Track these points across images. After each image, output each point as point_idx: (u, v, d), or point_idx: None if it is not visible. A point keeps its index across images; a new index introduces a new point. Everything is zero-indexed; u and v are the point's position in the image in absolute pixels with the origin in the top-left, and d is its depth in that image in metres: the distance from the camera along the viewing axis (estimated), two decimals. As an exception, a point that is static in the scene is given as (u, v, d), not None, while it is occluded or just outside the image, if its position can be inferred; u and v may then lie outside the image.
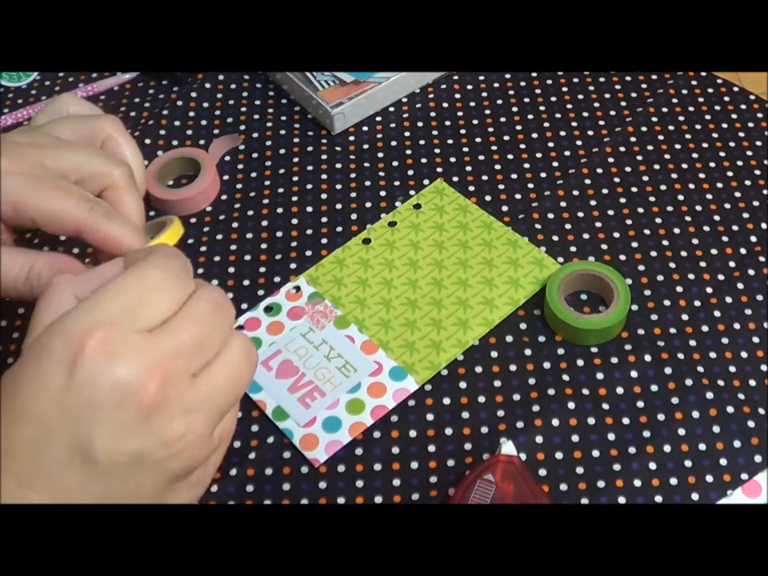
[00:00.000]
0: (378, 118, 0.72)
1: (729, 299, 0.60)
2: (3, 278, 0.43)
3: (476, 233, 0.63)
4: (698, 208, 0.65)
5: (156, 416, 0.35)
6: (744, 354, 0.57)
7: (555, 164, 0.68)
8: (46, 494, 0.34)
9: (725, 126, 0.70)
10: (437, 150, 0.70)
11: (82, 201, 0.43)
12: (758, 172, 0.67)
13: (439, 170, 0.68)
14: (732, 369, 0.57)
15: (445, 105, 0.73)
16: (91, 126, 0.47)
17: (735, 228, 0.64)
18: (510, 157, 0.69)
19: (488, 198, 0.66)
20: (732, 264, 0.62)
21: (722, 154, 0.68)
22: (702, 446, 0.54)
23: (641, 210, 0.65)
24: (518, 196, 0.66)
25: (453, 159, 0.69)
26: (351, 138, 0.71)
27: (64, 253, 0.64)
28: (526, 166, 0.68)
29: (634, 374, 0.57)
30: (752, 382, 0.56)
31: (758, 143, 0.69)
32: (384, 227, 0.64)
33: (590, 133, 0.70)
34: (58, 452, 0.34)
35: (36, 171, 0.44)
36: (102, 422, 0.34)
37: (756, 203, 0.65)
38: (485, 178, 0.68)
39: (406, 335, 0.58)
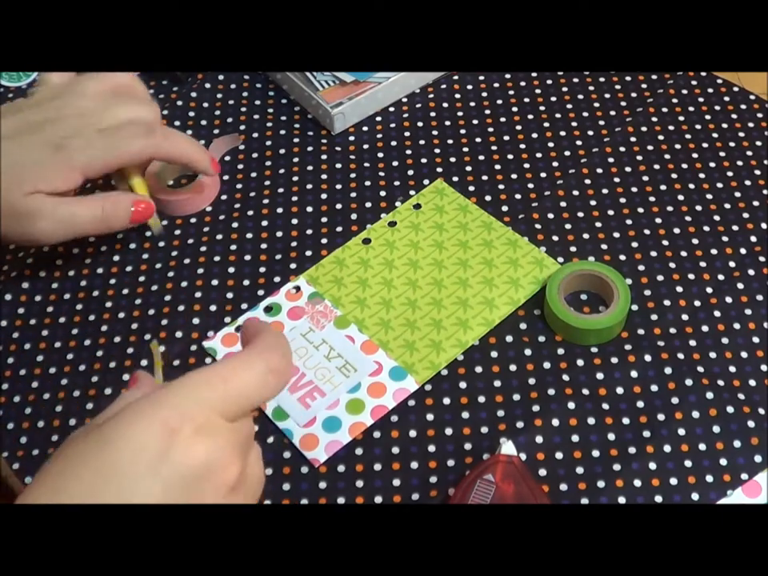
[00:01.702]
0: (378, 118, 0.72)
1: (729, 299, 0.60)
2: (90, 219, 0.57)
3: (476, 233, 0.63)
4: (698, 208, 0.65)
5: (231, 496, 0.38)
6: (744, 354, 0.57)
7: (555, 164, 0.68)
8: None
9: (725, 125, 0.70)
10: (437, 150, 0.70)
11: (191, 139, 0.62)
12: (758, 172, 0.67)
13: (439, 170, 0.68)
14: (732, 369, 0.57)
15: (445, 105, 0.73)
16: (111, 80, 0.59)
17: (735, 228, 0.64)
18: (510, 157, 0.69)
19: (488, 198, 0.66)
20: (732, 264, 0.62)
21: (722, 154, 0.68)
22: (702, 446, 0.54)
23: (641, 210, 0.65)
24: (518, 196, 0.66)
25: (453, 159, 0.69)
26: (351, 138, 0.71)
27: (63, 253, 0.64)
28: (526, 165, 0.68)
29: (633, 374, 0.57)
30: (752, 382, 0.56)
31: (758, 143, 0.69)
32: (384, 227, 0.64)
33: (590, 133, 0.70)
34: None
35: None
36: (186, 492, 0.36)
37: (756, 203, 0.65)
38: (485, 178, 0.68)
39: (406, 335, 0.58)
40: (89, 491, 0.35)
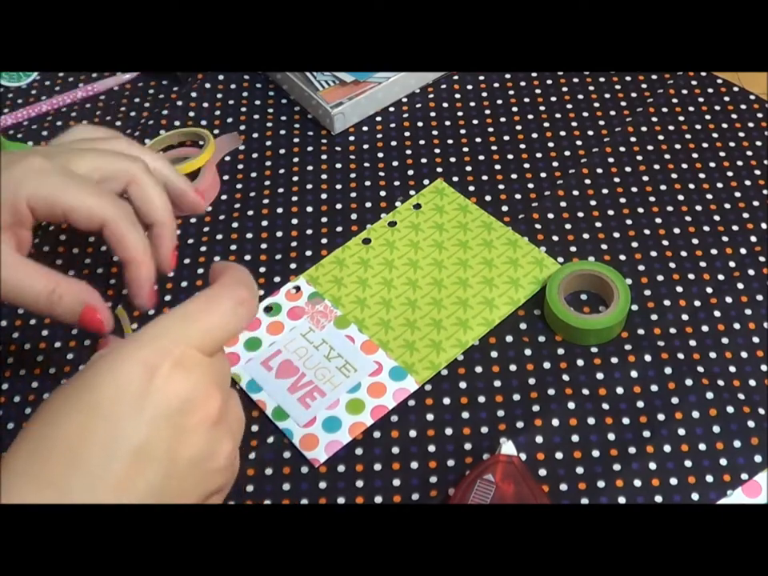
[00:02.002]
0: (378, 118, 0.72)
1: (729, 299, 0.60)
2: (27, 292, 0.47)
3: (476, 233, 0.63)
4: (698, 208, 0.65)
5: (215, 430, 0.38)
6: (744, 354, 0.57)
7: (555, 164, 0.68)
8: (99, 489, 0.35)
9: (725, 125, 0.70)
10: (437, 150, 0.70)
11: (110, 199, 0.48)
12: (758, 172, 0.67)
13: (439, 170, 0.68)
14: (732, 369, 0.57)
15: (445, 105, 0.73)
16: (115, 167, 0.50)
17: (735, 228, 0.64)
18: (510, 157, 0.69)
19: (488, 198, 0.66)
20: (732, 264, 0.62)
21: (722, 154, 0.68)
22: (702, 446, 0.54)
23: (641, 210, 0.65)
24: (518, 196, 0.66)
25: (453, 159, 0.69)
26: (351, 138, 0.71)
27: (63, 252, 0.64)
28: (526, 165, 0.68)
29: (633, 374, 0.57)
30: (752, 382, 0.56)
31: (758, 143, 0.69)
32: (384, 227, 0.64)
33: (590, 133, 0.70)
34: (123, 451, 0.35)
35: (65, 171, 0.48)
36: (171, 428, 0.36)
37: (756, 203, 0.65)
38: (485, 178, 0.68)
39: (406, 335, 0.58)
40: (77, 435, 0.35)
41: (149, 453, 0.36)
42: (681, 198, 0.66)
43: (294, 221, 0.66)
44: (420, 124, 0.72)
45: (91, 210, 0.47)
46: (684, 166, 0.68)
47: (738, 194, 0.66)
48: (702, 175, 0.67)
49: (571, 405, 0.55)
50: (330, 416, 0.55)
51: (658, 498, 0.52)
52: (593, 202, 0.66)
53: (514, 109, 0.72)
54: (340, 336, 0.58)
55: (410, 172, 0.68)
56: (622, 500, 0.52)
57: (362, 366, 0.56)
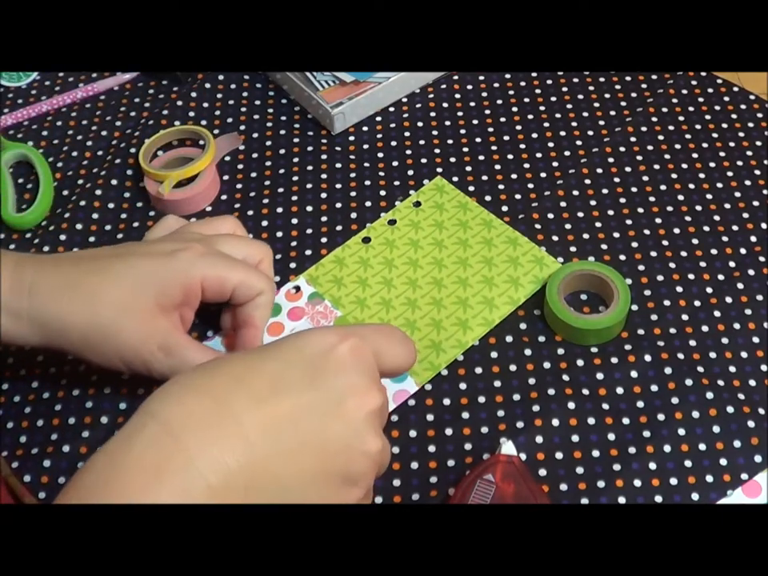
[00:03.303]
0: (378, 118, 0.72)
1: (729, 299, 0.60)
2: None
3: (476, 230, 0.63)
4: (698, 208, 0.65)
5: (370, 419, 0.41)
6: (744, 354, 0.57)
7: (555, 164, 0.68)
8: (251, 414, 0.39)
9: (725, 125, 0.70)
10: (437, 150, 0.70)
11: (260, 273, 0.55)
12: (758, 172, 0.67)
13: (439, 169, 0.68)
14: (732, 369, 0.57)
15: (445, 105, 0.73)
16: (252, 248, 0.57)
17: (735, 228, 0.64)
18: (510, 157, 0.69)
19: (488, 197, 0.66)
20: (732, 264, 0.62)
21: (722, 154, 0.68)
22: (702, 446, 0.54)
23: (641, 210, 0.65)
24: (518, 196, 0.66)
25: (453, 159, 0.69)
26: (351, 138, 0.71)
27: (63, 253, 0.64)
28: (526, 165, 0.68)
29: (633, 374, 0.57)
30: (752, 382, 0.56)
31: (758, 143, 0.69)
32: (384, 225, 0.64)
33: (590, 133, 0.70)
34: (282, 394, 0.40)
35: (223, 254, 0.54)
36: (332, 400, 0.41)
37: (756, 203, 0.65)
38: (485, 177, 0.68)
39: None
40: (249, 369, 0.41)
41: (306, 407, 0.40)
42: (681, 197, 0.66)
43: (294, 221, 0.66)
44: (420, 124, 0.71)
45: (253, 283, 0.53)
46: (684, 165, 0.68)
47: (738, 194, 0.66)
48: (701, 175, 0.67)
49: (571, 405, 0.55)
50: None
51: (658, 498, 0.52)
52: (593, 202, 0.66)
53: (514, 109, 0.72)
54: None
55: (410, 172, 0.68)
56: (622, 500, 0.52)
57: None
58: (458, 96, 0.73)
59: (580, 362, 0.57)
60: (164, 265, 0.51)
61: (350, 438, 0.40)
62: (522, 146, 0.70)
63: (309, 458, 0.40)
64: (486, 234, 0.63)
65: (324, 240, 0.64)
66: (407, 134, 0.71)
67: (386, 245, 0.63)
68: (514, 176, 0.68)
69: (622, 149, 0.69)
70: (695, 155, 0.68)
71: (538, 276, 0.60)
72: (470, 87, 0.74)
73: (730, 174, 0.67)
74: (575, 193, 0.66)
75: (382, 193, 0.67)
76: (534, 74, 0.75)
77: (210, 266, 0.52)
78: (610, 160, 0.68)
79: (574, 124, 0.71)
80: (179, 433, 0.37)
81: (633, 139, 0.70)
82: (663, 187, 0.67)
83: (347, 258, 0.62)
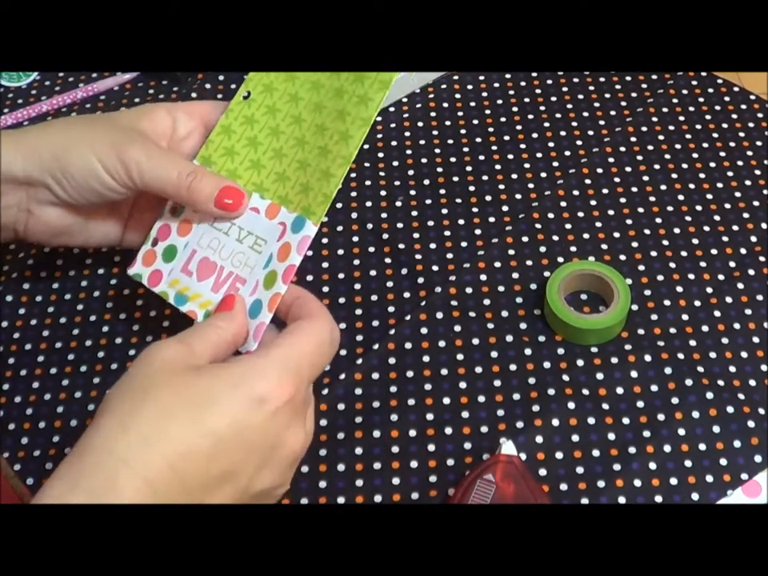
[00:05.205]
0: (379, 118, 0.72)
1: (729, 299, 0.60)
2: (169, 176, 0.52)
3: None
4: (698, 208, 0.65)
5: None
6: (744, 354, 0.57)
7: (555, 164, 0.68)
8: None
9: (725, 125, 0.70)
10: (437, 150, 0.70)
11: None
12: (758, 172, 0.67)
13: (439, 169, 0.68)
14: (732, 369, 0.57)
15: (445, 105, 0.73)
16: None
17: (735, 228, 0.64)
18: (510, 157, 0.69)
19: (488, 197, 0.66)
20: (732, 264, 0.62)
21: (722, 154, 0.68)
22: (702, 446, 0.54)
23: (641, 209, 0.65)
24: (518, 196, 0.66)
25: (453, 159, 0.69)
26: (351, 138, 0.71)
27: (63, 253, 0.64)
28: (526, 166, 0.68)
29: (633, 374, 0.57)
30: (752, 382, 0.56)
31: (758, 143, 0.69)
32: (259, 75, 0.58)
33: (590, 133, 0.70)
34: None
35: None
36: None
37: (756, 203, 0.65)
38: (485, 178, 0.68)
39: (300, 178, 0.54)
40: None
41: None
42: (681, 197, 0.66)
43: (294, 221, 0.65)
44: (420, 124, 0.72)
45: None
46: (684, 165, 0.68)
47: (738, 194, 0.66)
48: (702, 175, 0.67)
49: (571, 405, 0.56)
50: (254, 300, 0.51)
51: (658, 498, 0.52)
52: (593, 202, 0.66)
53: (514, 109, 0.72)
54: (245, 212, 0.54)
55: (410, 172, 0.68)
56: (622, 500, 0.52)
57: (269, 234, 0.53)
58: (458, 96, 0.74)
59: (580, 362, 0.57)
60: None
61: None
62: (522, 146, 0.70)
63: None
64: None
65: (324, 240, 0.64)
66: (407, 134, 0.71)
67: (265, 92, 0.58)
68: (514, 176, 0.68)
69: (622, 149, 0.69)
70: (695, 155, 0.68)
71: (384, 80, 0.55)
72: (470, 87, 0.74)
73: (730, 174, 0.67)
74: (575, 193, 0.66)
75: (383, 193, 0.67)
76: (534, 74, 0.75)
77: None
78: (610, 160, 0.68)
79: (574, 124, 0.71)
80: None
81: (633, 139, 0.70)
82: (663, 187, 0.67)
83: (233, 123, 0.57)
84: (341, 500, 0.52)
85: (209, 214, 0.54)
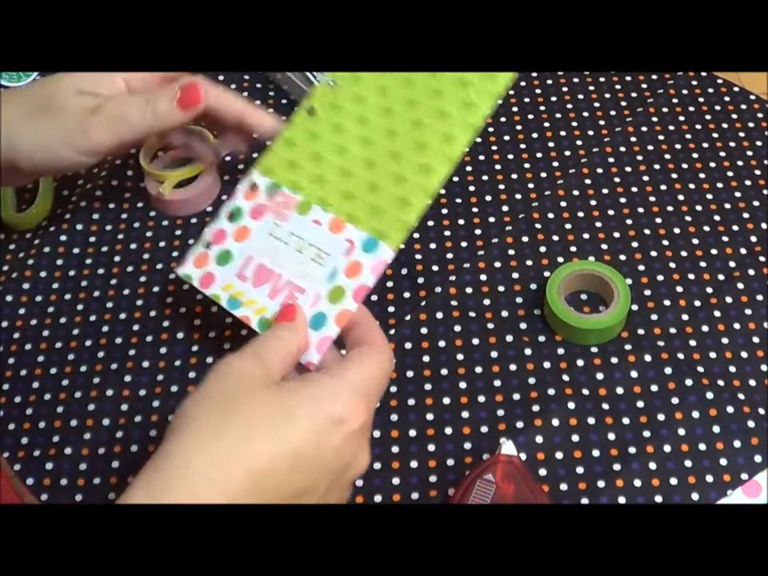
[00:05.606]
0: (378, 118, 0.72)
1: (729, 299, 0.60)
2: (132, 113, 0.57)
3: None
4: (698, 208, 0.65)
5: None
6: (744, 354, 0.57)
7: (555, 164, 0.68)
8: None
9: (725, 125, 0.70)
10: (437, 150, 0.69)
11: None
12: (758, 172, 0.67)
13: (439, 170, 0.68)
14: (732, 369, 0.57)
15: (445, 105, 0.73)
16: None
17: (735, 228, 0.64)
18: (510, 157, 0.69)
19: (488, 197, 0.66)
20: (732, 264, 0.62)
21: (722, 154, 0.68)
22: (702, 446, 0.54)
23: (641, 209, 0.65)
24: (518, 196, 0.66)
25: (453, 159, 0.69)
26: (351, 138, 0.71)
27: (63, 253, 0.64)
28: (526, 165, 0.68)
29: (633, 374, 0.57)
30: (752, 382, 0.56)
31: (758, 143, 0.69)
32: (326, 89, 0.58)
33: (590, 133, 0.70)
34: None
35: None
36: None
37: (756, 203, 0.65)
38: (485, 178, 0.68)
39: (370, 199, 0.53)
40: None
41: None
42: (681, 197, 0.66)
43: (294, 221, 0.65)
44: (420, 124, 0.71)
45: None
46: (684, 165, 0.68)
47: (738, 194, 0.66)
48: (702, 175, 0.67)
49: (571, 405, 0.56)
50: (315, 312, 0.50)
51: (658, 498, 0.52)
52: (593, 202, 0.66)
53: (514, 109, 0.72)
54: (306, 223, 0.53)
55: (410, 172, 0.68)
56: (622, 500, 0.52)
57: (334, 248, 0.52)
58: (458, 96, 0.73)
59: (580, 362, 0.57)
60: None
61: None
62: (522, 146, 0.70)
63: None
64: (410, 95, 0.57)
65: (324, 240, 0.64)
66: (407, 134, 0.71)
67: (331, 110, 0.57)
68: (514, 176, 0.68)
69: (622, 149, 0.69)
70: (695, 155, 0.68)
71: (492, 91, 0.55)
72: (470, 87, 0.74)
73: (730, 174, 0.67)
74: (575, 193, 0.66)
75: (382, 193, 0.67)
76: (534, 74, 0.75)
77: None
78: (610, 160, 0.68)
79: (574, 124, 0.71)
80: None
81: (633, 139, 0.70)
82: (663, 187, 0.67)
83: (296, 137, 0.57)
84: (341, 500, 0.52)
85: (182, 121, 0.58)
